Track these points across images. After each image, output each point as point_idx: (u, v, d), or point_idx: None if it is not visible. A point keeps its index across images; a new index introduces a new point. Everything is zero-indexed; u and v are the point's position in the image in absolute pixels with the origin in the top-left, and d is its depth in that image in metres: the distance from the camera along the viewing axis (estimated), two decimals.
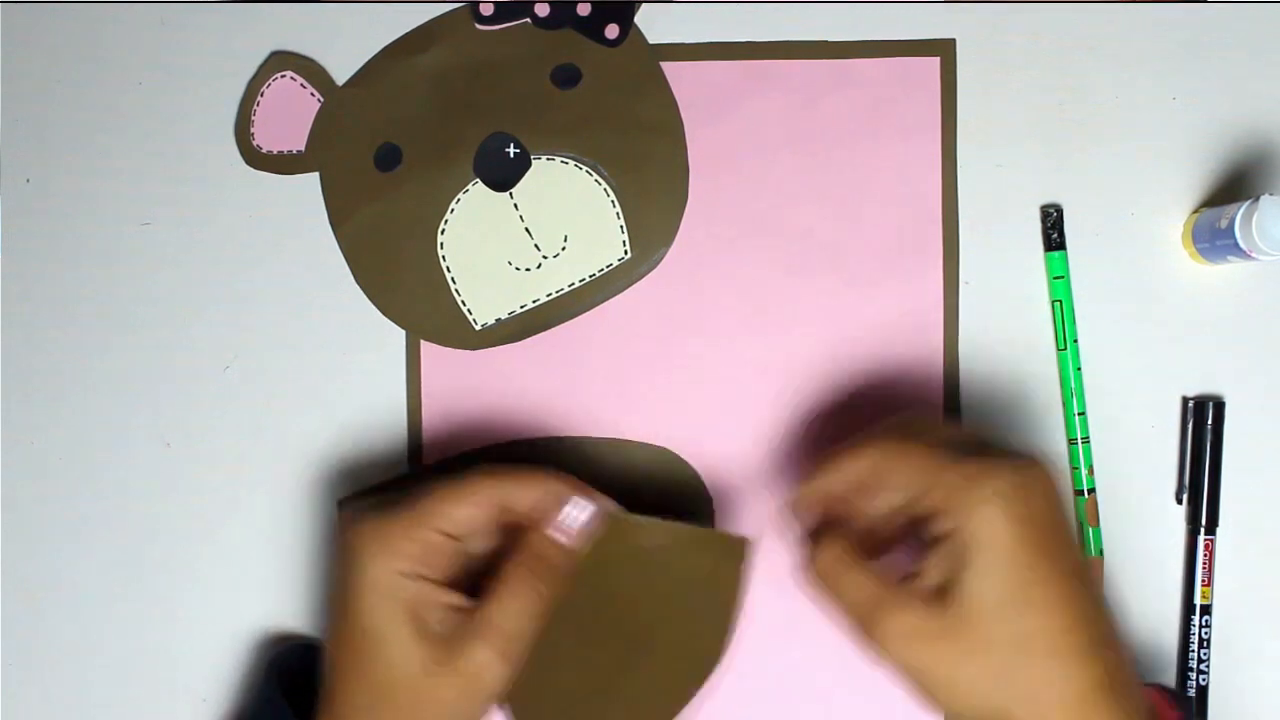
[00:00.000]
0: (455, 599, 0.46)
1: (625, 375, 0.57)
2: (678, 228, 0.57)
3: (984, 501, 0.43)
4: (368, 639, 0.46)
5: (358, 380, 0.57)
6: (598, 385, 0.57)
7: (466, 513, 0.47)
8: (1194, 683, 0.55)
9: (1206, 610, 0.55)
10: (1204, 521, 0.56)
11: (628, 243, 0.57)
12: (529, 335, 0.57)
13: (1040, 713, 0.42)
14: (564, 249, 0.56)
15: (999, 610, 0.42)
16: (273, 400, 0.57)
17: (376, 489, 0.56)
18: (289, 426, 0.57)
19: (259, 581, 0.57)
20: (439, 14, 0.57)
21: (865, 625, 0.45)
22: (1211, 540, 0.56)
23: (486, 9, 0.56)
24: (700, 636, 0.51)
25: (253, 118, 0.57)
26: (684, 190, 0.57)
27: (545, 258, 0.56)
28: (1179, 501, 0.56)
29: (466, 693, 0.45)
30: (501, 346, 0.57)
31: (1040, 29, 0.57)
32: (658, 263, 0.57)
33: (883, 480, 0.46)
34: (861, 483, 0.47)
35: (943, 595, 0.43)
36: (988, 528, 0.43)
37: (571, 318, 0.57)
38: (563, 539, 0.48)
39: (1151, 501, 0.56)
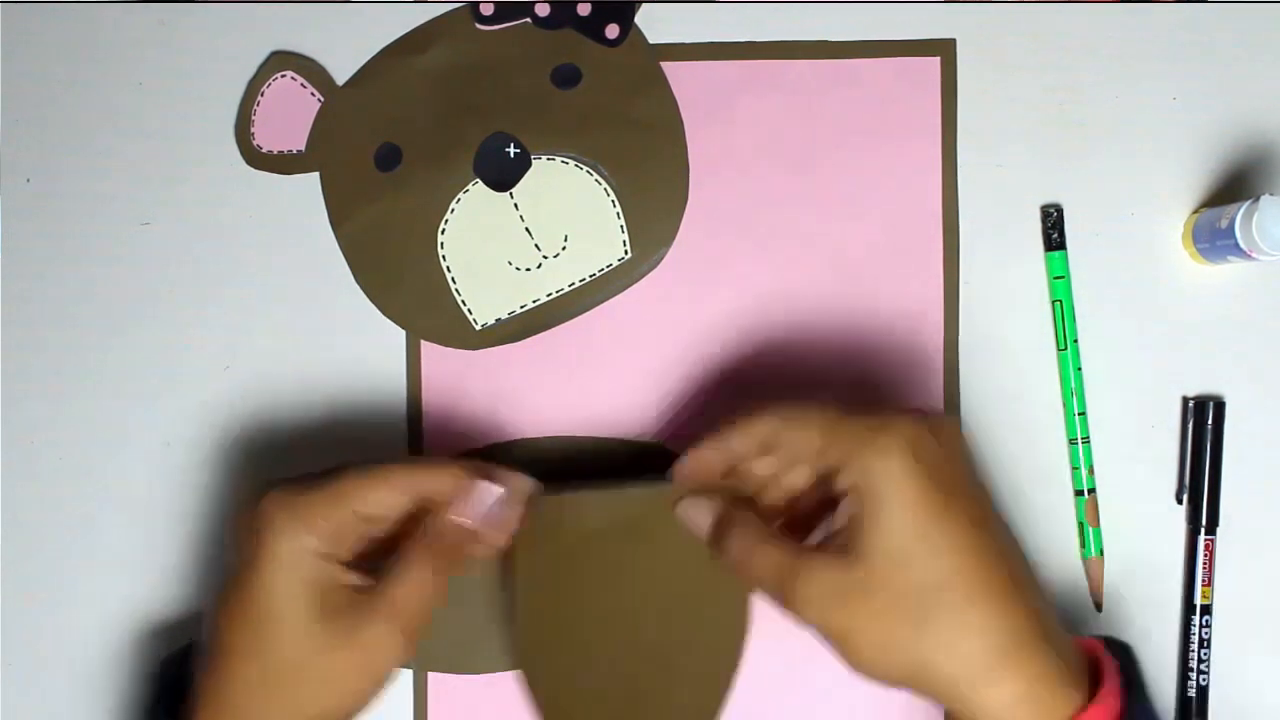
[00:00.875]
0: (357, 579, 0.47)
1: (625, 375, 0.57)
2: (678, 228, 0.57)
3: (882, 452, 0.43)
4: (266, 616, 0.45)
5: (358, 380, 0.57)
6: (598, 385, 0.57)
7: (382, 496, 0.47)
8: (1194, 683, 0.55)
9: (1206, 610, 0.55)
10: (1204, 521, 0.56)
11: (628, 243, 0.57)
12: (529, 335, 0.57)
13: (961, 663, 0.42)
14: (564, 249, 0.56)
15: (905, 559, 0.42)
16: (273, 400, 0.57)
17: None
18: (289, 426, 0.57)
19: None
20: (439, 14, 0.57)
21: (780, 595, 0.44)
22: (1211, 540, 0.56)
23: (486, 9, 0.56)
24: (719, 601, 0.49)
25: (253, 118, 0.57)
26: (684, 190, 0.57)
27: (545, 258, 0.56)
28: (1179, 501, 0.56)
29: (362, 670, 0.46)
30: (501, 346, 0.57)
31: (1040, 29, 0.57)
32: (658, 263, 0.57)
33: (782, 442, 0.46)
34: (761, 446, 0.47)
35: (848, 550, 0.43)
36: (887, 478, 0.42)
37: (571, 318, 0.57)
38: (465, 521, 0.48)
39: (1151, 501, 0.56)
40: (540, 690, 0.50)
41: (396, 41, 0.57)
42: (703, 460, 0.48)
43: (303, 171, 0.57)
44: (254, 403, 0.57)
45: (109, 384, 0.57)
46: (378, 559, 0.48)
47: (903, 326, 0.57)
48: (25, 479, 0.57)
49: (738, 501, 0.48)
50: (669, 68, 0.57)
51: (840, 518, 0.44)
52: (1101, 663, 0.44)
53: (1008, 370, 0.57)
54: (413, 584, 0.47)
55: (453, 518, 0.48)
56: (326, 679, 0.45)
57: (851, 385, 0.56)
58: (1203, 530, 0.55)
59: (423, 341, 0.57)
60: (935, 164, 0.57)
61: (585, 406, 0.57)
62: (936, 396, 0.56)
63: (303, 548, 0.45)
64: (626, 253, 0.57)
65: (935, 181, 0.57)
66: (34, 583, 0.57)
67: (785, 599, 0.44)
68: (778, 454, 0.47)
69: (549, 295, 0.57)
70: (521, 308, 0.57)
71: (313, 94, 0.57)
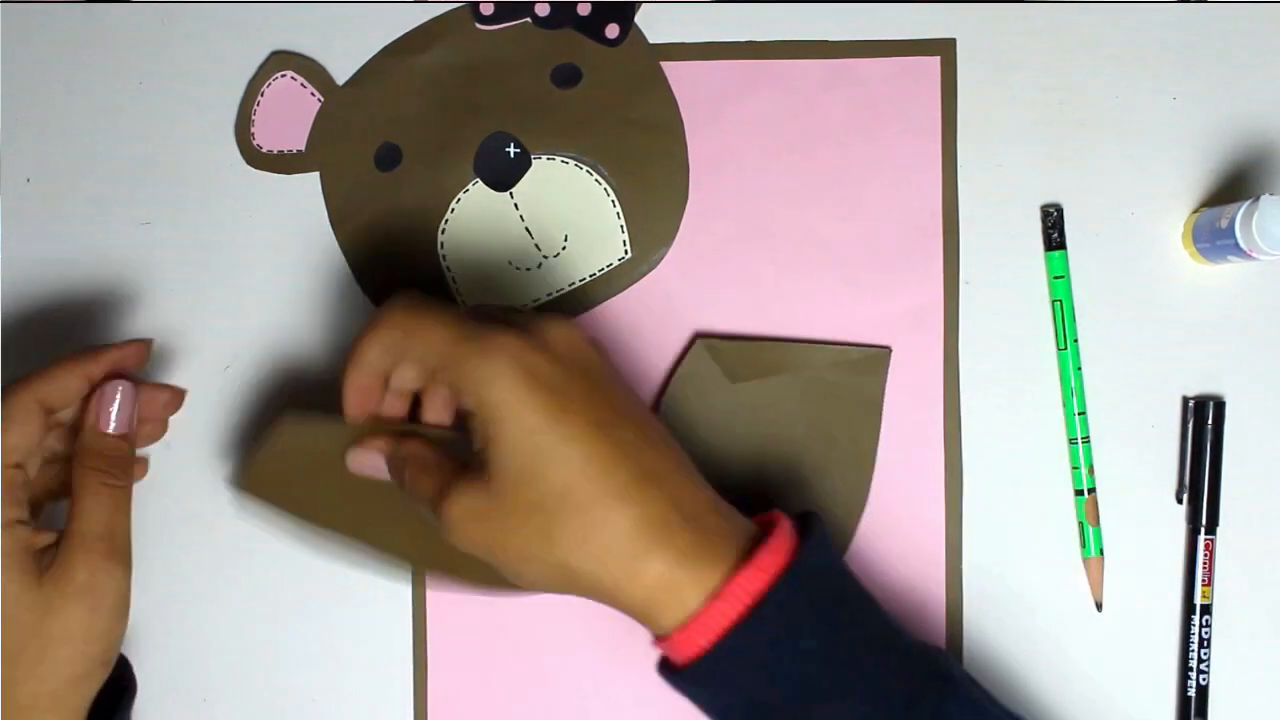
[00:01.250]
0: (51, 536, 0.48)
1: (625, 374, 0.57)
2: (678, 228, 0.57)
3: (494, 375, 0.43)
4: None
5: None
6: None
7: (17, 434, 0.47)
8: (1194, 683, 0.55)
9: (1206, 610, 0.55)
10: (1204, 521, 0.56)
11: (628, 243, 0.57)
12: None
13: (597, 561, 0.43)
14: (564, 249, 0.56)
15: (529, 475, 0.43)
16: (273, 400, 0.57)
17: None
18: None
19: (259, 580, 0.57)
20: (439, 14, 0.57)
21: (437, 519, 0.45)
22: (1211, 540, 0.56)
23: (486, 9, 0.56)
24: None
25: (253, 118, 0.57)
26: (684, 190, 0.57)
27: (545, 258, 0.56)
28: (1179, 501, 0.56)
29: (93, 611, 0.47)
30: None
31: (1040, 29, 0.57)
32: (658, 263, 0.57)
33: (404, 355, 0.46)
34: (392, 357, 0.47)
35: (482, 469, 0.44)
36: (499, 399, 0.43)
37: (571, 317, 0.57)
38: (111, 428, 0.49)
39: (1151, 501, 0.56)
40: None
41: (396, 41, 0.57)
42: (355, 386, 0.48)
43: (303, 171, 0.57)
44: (254, 403, 0.57)
45: None
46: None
47: (903, 326, 0.57)
48: None
49: (405, 434, 0.49)
50: (669, 68, 0.57)
51: (476, 438, 0.45)
52: (775, 527, 0.44)
53: (1008, 370, 0.57)
54: (89, 509, 0.48)
55: (98, 430, 0.49)
56: (69, 634, 0.47)
57: None
58: (1203, 530, 0.55)
59: None
60: (935, 164, 0.57)
61: None
62: (936, 397, 0.56)
63: None
64: (626, 253, 0.57)
65: (935, 181, 0.57)
66: None
67: (442, 526, 0.45)
68: (410, 366, 0.47)
69: (549, 295, 0.57)
70: (522, 308, 0.57)
71: (313, 94, 0.57)
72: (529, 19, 0.57)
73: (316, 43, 0.57)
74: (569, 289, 0.57)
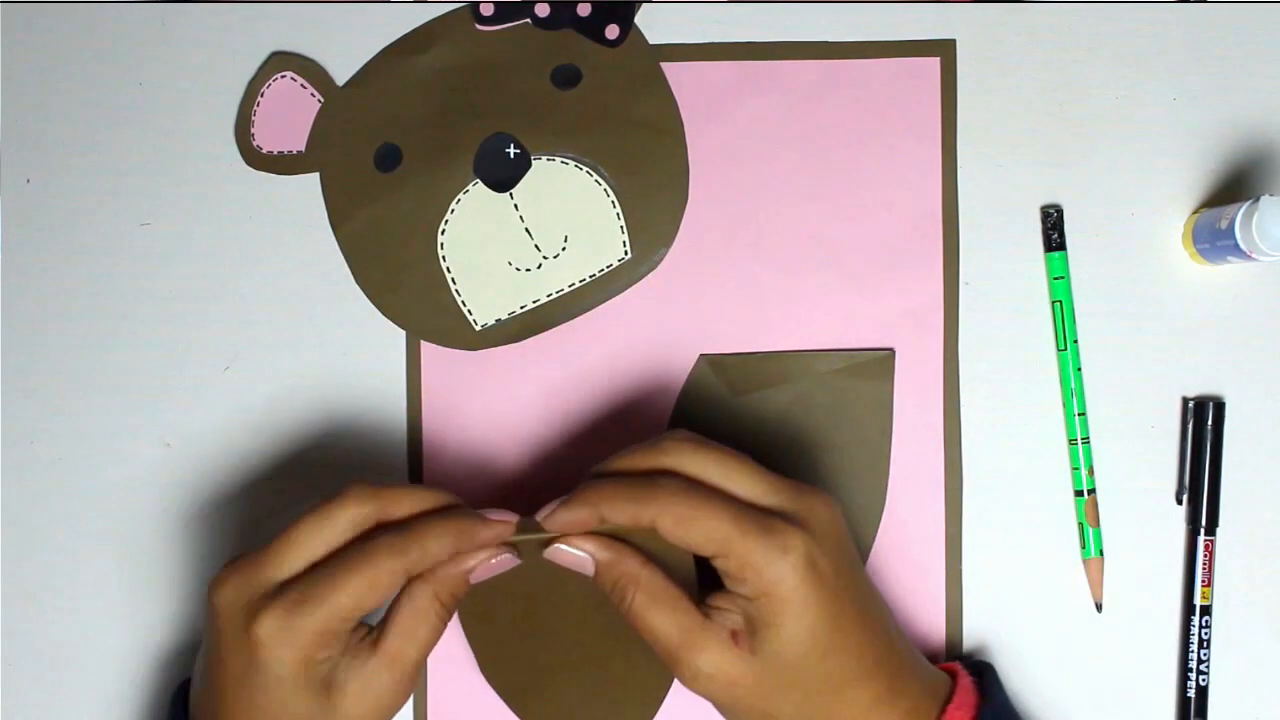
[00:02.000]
0: (354, 642, 0.47)
1: (625, 375, 0.57)
2: (678, 228, 0.57)
3: (786, 574, 0.45)
4: (274, 712, 0.45)
5: (358, 380, 0.57)
6: (597, 385, 0.57)
7: (376, 600, 0.46)
8: (1194, 683, 0.55)
9: (1206, 610, 0.55)
10: (1204, 521, 0.56)
11: (628, 243, 0.57)
12: (529, 335, 0.57)
13: None
14: (564, 249, 0.56)
15: (803, 660, 0.46)
16: (273, 400, 0.57)
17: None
18: (289, 426, 0.57)
19: None
20: (439, 14, 0.57)
21: (671, 660, 0.46)
22: (1211, 540, 0.56)
23: (486, 9, 0.56)
24: None
25: (253, 118, 0.57)
26: (684, 190, 0.57)
27: (545, 258, 0.56)
28: (1179, 501, 0.56)
29: (369, 713, 0.47)
30: (501, 346, 0.57)
31: (1040, 29, 0.57)
32: (658, 263, 0.57)
33: (673, 532, 0.46)
34: (645, 527, 0.47)
35: (743, 641, 0.46)
36: (788, 597, 0.45)
37: (571, 318, 0.57)
38: (475, 580, 0.48)
39: (1151, 501, 0.56)
40: (507, 688, 0.54)
41: (396, 41, 0.57)
42: (572, 519, 0.47)
43: (303, 171, 0.57)
44: (254, 403, 0.57)
45: (109, 384, 0.57)
46: None
47: (903, 326, 0.57)
48: (25, 479, 0.57)
49: (624, 547, 0.48)
50: (669, 68, 0.57)
51: (738, 610, 0.46)
52: (958, 680, 0.49)
53: (1008, 370, 0.57)
54: (414, 629, 0.47)
55: (466, 575, 0.48)
56: (344, 715, 0.46)
57: None
58: (1203, 530, 0.55)
59: (423, 341, 0.57)
60: (935, 164, 0.57)
61: (585, 407, 0.57)
62: (936, 397, 0.56)
63: (306, 660, 0.45)
64: (626, 253, 0.57)
65: (935, 181, 0.57)
66: (34, 583, 0.57)
67: (677, 666, 0.46)
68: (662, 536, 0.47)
69: (549, 296, 0.57)
70: (521, 308, 0.57)
71: (313, 94, 0.57)
72: (529, 19, 0.57)
73: (316, 43, 0.57)
74: (569, 289, 0.57)
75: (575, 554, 0.48)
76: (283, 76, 0.57)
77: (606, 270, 0.57)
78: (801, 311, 0.57)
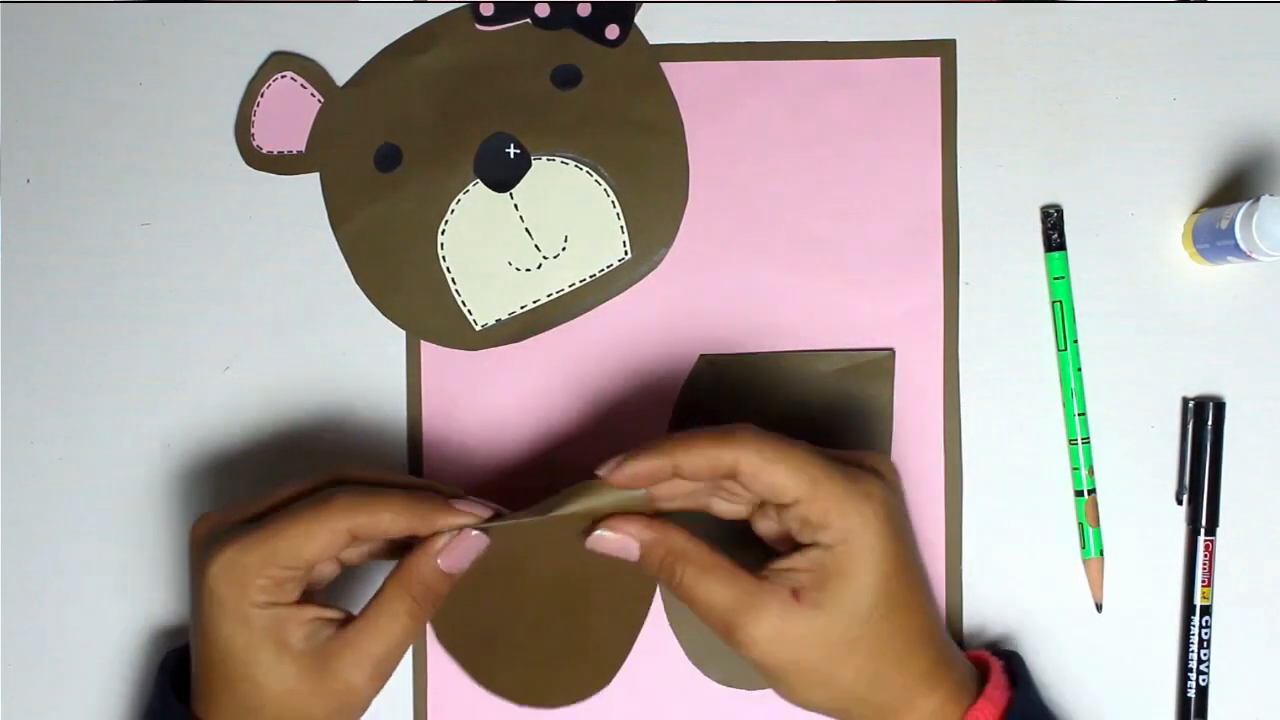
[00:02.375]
0: (315, 613, 0.47)
1: (625, 375, 0.57)
2: (678, 228, 0.57)
3: (868, 519, 0.45)
4: (232, 661, 0.46)
5: (358, 380, 0.57)
6: (598, 385, 0.57)
7: (321, 545, 0.46)
8: (1194, 683, 0.55)
9: (1206, 610, 0.55)
10: (1204, 522, 0.56)
11: (628, 243, 0.57)
12: (529, 335, 0.57)
13: (891, 694, 0.46)
14: (564, 249, 0.56)
15: (870, 614, 0.45)
16: (273, 400, 0.57)
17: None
18: (289, 426, 0.57)
19: None
20: (439, 14, 0.57)
21: (726, 629, 0.46)
22: (1211, 540, 0.56)
23: (486, 9, 0.56)
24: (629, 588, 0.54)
25: (253, 118, 0.57)
26: (684, 190, 0.57)
27: (545, 258, 0.56)
28: (1179, 501, 0.56)
29: (337, 710, 0.46)
30: (501, 346, 0.57)
31: (1040, 29, 0.57)
32: (658, 263, 0.57)
33: (759, 474, 0.45)
34: (722, 474, 0.46)
35: (809, 597, 0.45)
36: (869, 544, 0.45)
37: (571, 318, 0.57)
38: (444, 566, 0.47)
39: (1151, 501, 0.56)
40: (461, 650, 0.55)
41: (396, 41, 0.57)
42: (643, 469, 0.46)
43: (303, 172, 0.57)
44: (254, 403, 0.57)
45: (109, 384, 0.57)
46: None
47: (903, 326, 0.57)
48: (25, 479, 0.57)
49: (667, 523, 0.47)
50: (669, 68, 0.57)
51: (807, 564, 0.45)
52: (990, 667, 0.49)
53: (1008, 370, 0.57)
54: (388, 629, 0.46)
55: (438, 566, 0.47)
56: (306, 711, 0.46)
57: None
58: (1203, 530, 0.55)
59: (423, 341, 0.57)
60: (935, 164, 0.57)
61: (585, 407, 0.57)
62: (936, 397, 0.56)
63: (247, 601, 0.45)
64: (626, 253, 0.57)
65: (935, 181, 0.57)
66: (34, 582, 0.57)
67: (736, 633, 0.45)
68: (731, 486, 0.47)
69: (549, 296, 0.57)
70: (521, 308, 0.57)
71: (313, 94, 0.57)
72: (529, 19, 0.57)
73: (316, 43, 0.57)
74: (569, 289, 0.57)
75: (617, 538, 0.47)
76: (283, 76, 0.57)
77: (606, 270, 0.57)
78: (801, 311, 0.57)
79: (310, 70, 0.57)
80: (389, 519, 0.46)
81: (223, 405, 0.57)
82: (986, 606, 0.56)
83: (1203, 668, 0.55)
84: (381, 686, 0.47)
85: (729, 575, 0.46)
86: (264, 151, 0.57)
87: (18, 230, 0.57)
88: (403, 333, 0.57)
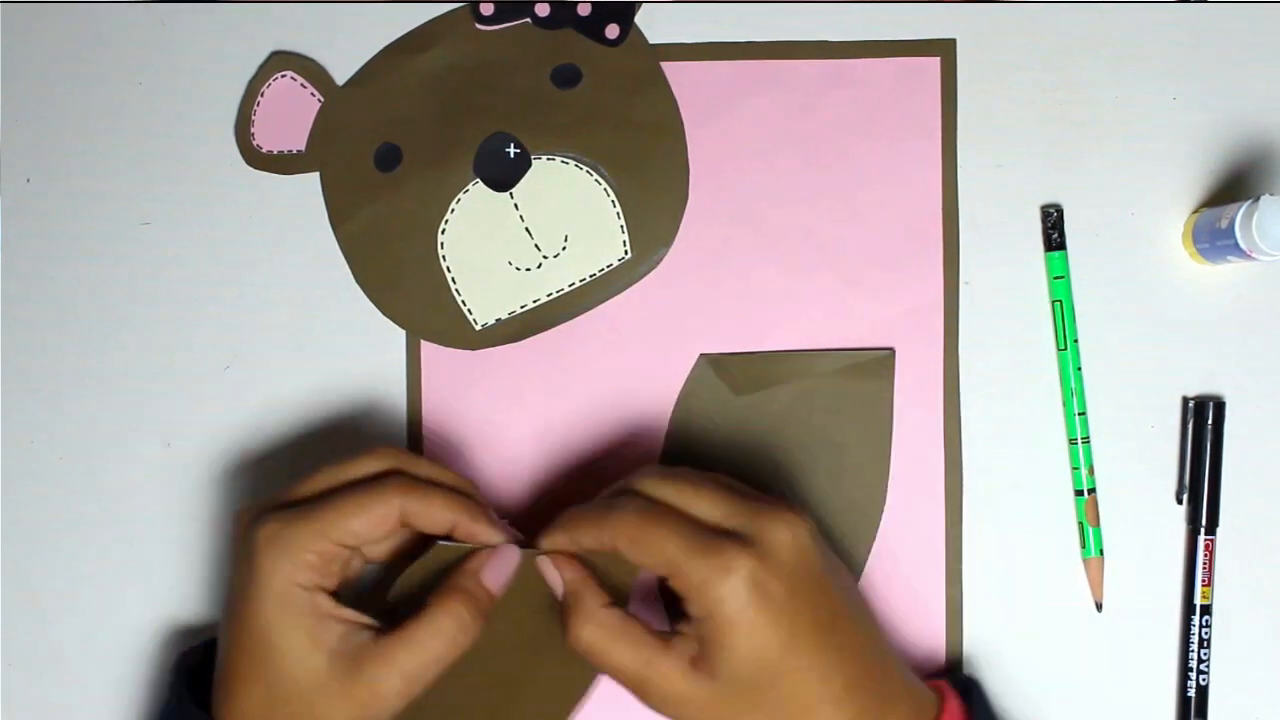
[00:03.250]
0: (353, 615, 0.47)
1: (625, 375, 0.57)
2: (678, 228, 0.57)
3: (728, 595, 0.45)
4: (264, 646, 0.46)
5: (358, 380, 0.57)
6: (598, 385, 0.57)
7: (369, 526, 0.47)
8: (1194, 683, 0.55)
9: (1206, 610, 0.55)
10: (1204, 521, 0.55)
11: (628, 243, 0.57)
12: (529, 335, 0.57)
13: None
14: (564, 249, 0.56)
15: (753, 683, 0.45)
16: (273, 400, 0.57)
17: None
18: (289, 426, 0.57)
19: None
20: (439, 14, 0.57)
21: (637, 691, 0.47)
22: (1211, 540, 0.56)
23: (486, 9, 0.56)
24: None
25: (253, 118, 0.57)
26: (684, 190, 0.57)
27: (545, 258, 0.56)
28: (1179, 501, 0.56)
29: (361, 713, 0.46)
30: (501, 346, 0.57)
31: (1040, 29, 0.57)
32: (658, 263, 0.57)
33: (629, 554, 0.47)
34: (609, 548, 0.47)
35: (702, 665, 0.46)
36: (732, 619, 0.45)
37: (571, 318, 0.57)
38: (488, 582, 0.48)
39: (1151, 501, 0.56)
40: None
41: (396, 41, 0.57)
42: (555, 544, 0.49)
43: (303, 171, 0.57)
44: (254, 403, 0.57)
45: (109, 384, 0.57)
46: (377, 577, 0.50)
47: (903, 326, 0.57)
48: (25, 479, 0.57)
49: (588, 579, 0.49)
50: (669, 68, 0.57)
51: (691, 633, 0.46)
52: (944, 701, 0.49)
53: (1008, 370, 0.57)
54: (430, 643, 0.46)
55: (482, 581, 0.48)
56: (327, 712, 0.46)
57: None
58: (1203, 530, 0.55)
59: (423, 341, 0.57)
60: (935, 164, 0.57)
61: (585, 407, 0.57)
62: (936, 397, 0.56)
63: (292, 581, 0.46)
64: (626, 253, 0.57)
65: (935, 181, 0.57)
66: (34, 583, 0.57)
67: (640, 694, 0.47)
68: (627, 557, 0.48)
69: (549, 295, 0.57)
70: (521, 308, 0.57)
71: (313, 94, 0.57)
72: (529, 19, 0.57)
73: (316, 43, 0.57)
74: (569, 289, 0.57)
75: (550, 571, 0.49)
76: (283, 76, 0.57)
77: (606, 270, 0.57)
78: (801, 311, 0.57)
79: (310, 70, 0.57)
80: (440, 508, 0.48)
81: (223, 405, 0.57)
82: (986, 606, 0.56)
83: (1203, 667, 0.55)
84: (403, 705, 0.46)
85: (632, 638, 0.47)
86: (264, 151, 0.57)
87: (18, 230, 0.57)
88: (403, 332, 0.57)
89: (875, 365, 0.56)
